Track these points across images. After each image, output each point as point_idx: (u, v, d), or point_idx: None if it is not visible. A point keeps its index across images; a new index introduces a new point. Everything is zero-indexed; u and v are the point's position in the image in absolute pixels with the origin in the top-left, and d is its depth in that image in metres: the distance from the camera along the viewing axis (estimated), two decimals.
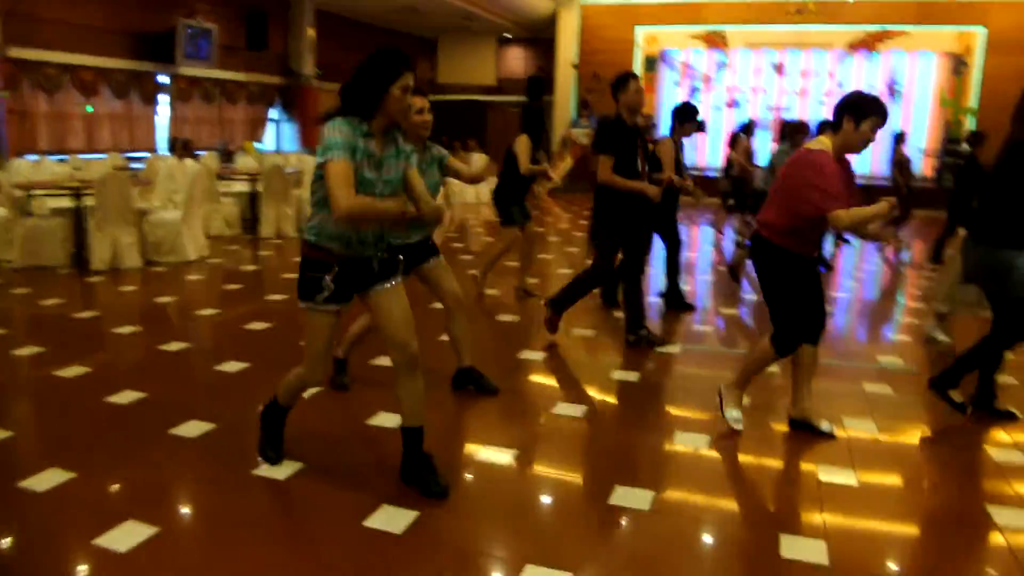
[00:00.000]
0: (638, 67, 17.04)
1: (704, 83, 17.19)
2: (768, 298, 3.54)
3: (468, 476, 3.14)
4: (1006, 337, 3.76)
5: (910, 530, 2.89)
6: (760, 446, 3.51)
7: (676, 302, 6.12)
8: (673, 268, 6.10)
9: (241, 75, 14.49)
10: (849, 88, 15.80)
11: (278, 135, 16.16)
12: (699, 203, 6.78)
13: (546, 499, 3.00)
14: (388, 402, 3.53)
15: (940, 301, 5.31)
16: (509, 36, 19.53)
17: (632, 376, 4.45)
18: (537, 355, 4.81)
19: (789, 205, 3.35)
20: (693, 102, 6.04)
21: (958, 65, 15.85)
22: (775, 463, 3.42)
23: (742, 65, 17.12)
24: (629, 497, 2.93)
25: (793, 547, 2.62)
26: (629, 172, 4.71)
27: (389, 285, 2.84)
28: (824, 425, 3.62)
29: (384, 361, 4.30)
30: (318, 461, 3.14)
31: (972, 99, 15.75)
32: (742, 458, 3.40)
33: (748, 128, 9.88)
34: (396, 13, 16.33)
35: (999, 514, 2.92)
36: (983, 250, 3.70)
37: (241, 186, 9.86)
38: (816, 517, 2.84)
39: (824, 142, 3.36)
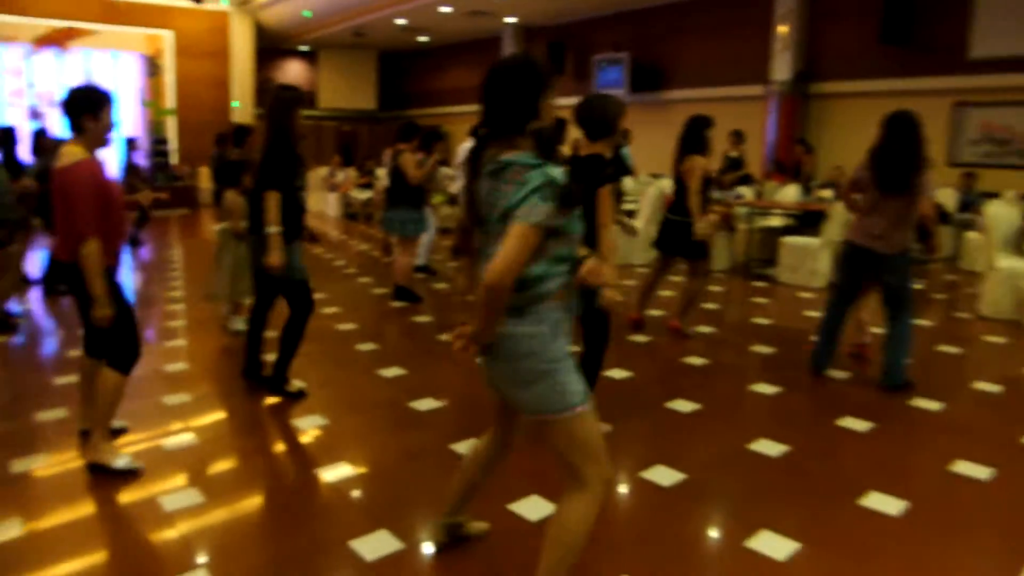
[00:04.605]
0: None
1: None
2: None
3: None
4: (299, 317, 4.31)
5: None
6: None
7: None
8: None
9: None
10: (41, 86, 15.08)
11: None
12: None
13: None
14: None
15: (227, 296, 5.63)
16: None
17: None
18: None
19: (79, 222, 3.16)
20: None
21: (152, 67, 16.51)
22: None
23: None
24: None
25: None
26: None
27: None
28: (120, 461, 3.38)
29: None
30: None
31: (170, 100, 16.68)
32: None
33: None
34: None
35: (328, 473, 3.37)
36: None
37: None
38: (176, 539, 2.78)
39: (76, 151, 3.21)
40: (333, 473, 3.42)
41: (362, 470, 3.45)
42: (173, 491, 3.22)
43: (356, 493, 3.26)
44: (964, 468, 3.56)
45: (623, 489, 3.35)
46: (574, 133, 3.98)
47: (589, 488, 2.17)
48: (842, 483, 3.43)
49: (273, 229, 4.04)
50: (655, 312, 6.46)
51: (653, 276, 6.03)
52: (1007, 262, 6.84)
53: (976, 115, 11.06)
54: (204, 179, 16.11)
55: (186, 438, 3.80)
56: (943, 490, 3.36)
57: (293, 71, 20.21)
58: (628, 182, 10.17)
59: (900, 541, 2.91)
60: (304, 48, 20.31)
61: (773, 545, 2.84)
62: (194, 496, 3.18)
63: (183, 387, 4.54)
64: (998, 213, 7.29)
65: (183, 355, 5.26)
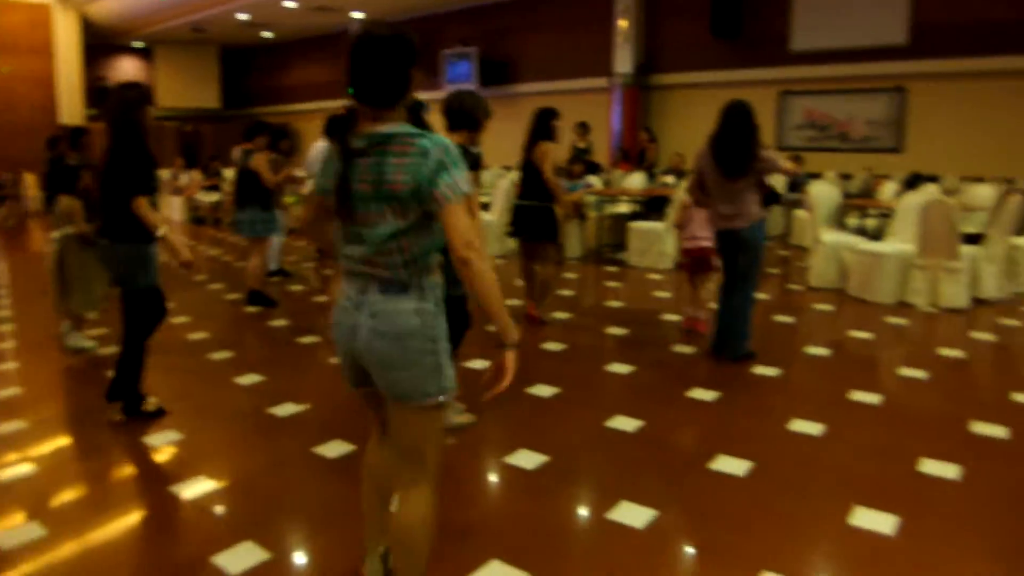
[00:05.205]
0: None
1: None
2: None
3: None
4: (141, 331, 3.99)
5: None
6: None
7: None
8: None
9: None
10: None
11: None
12: None
13: None
14: None
15: (83, 305, 5.26)
16: None
17: None
18: None
19: None
20: None
21: None
22: None
23: None
24: None
25: None
26: None
27: None
28: None
29: None
30: None
31: None
32: None
33: None
34: None
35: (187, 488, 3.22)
36: (124, 247, 3.85)
37: None
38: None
39: None
40: (191, 489, 3.27)
41: (223, 483, 3.33)
42: (11, 528, 2.97)
43: (218, 507, 3.14)
44: (800, 426, 3.89)
45: (491, 476, 3.42)
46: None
47: (428, 479, 2.15)
48: (693, 450, 3.66)
49: (163, 231, 3.82)
50: (514, 302, 6.58)
51: (524, 263, 6.09)
52: (830, 236, 7.48)
53: (799, 103, 11.98)
54: (30, 186, 14.85)
55: (23, 469, 3.52)
56: (783, 448, 3.66)
57: (127, 68, 18.96)
58: (484, 174, 10.27)
59: (747, 498, 3.14)
60: (138, 44, 19.09)
61: (632, 514, 2.99)
62: (35, 530, 2.95)
63: (17, 414, 4.18)
64: (821, 192, 7.95)
65: (15, 379, 4.85)
